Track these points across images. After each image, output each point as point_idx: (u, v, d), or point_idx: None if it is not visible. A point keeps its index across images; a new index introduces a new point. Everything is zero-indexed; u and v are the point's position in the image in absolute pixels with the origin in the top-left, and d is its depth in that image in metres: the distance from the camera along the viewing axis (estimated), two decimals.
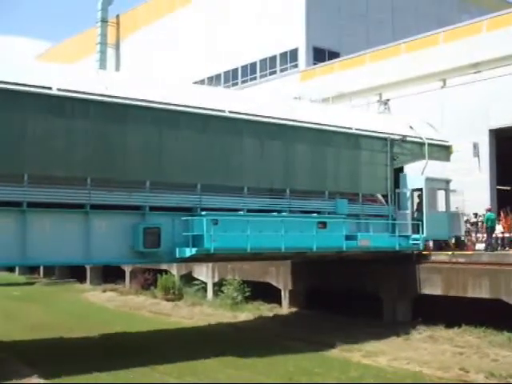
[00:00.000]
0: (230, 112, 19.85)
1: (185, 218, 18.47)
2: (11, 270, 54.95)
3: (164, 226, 18.17)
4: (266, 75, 46.83)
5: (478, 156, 31.36)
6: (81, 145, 17.10)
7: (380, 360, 18.20)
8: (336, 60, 41.70)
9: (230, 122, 19.80)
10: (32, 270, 51.26)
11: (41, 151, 16.49)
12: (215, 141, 19.46)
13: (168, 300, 31.65)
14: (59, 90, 16.85)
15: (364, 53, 38.87)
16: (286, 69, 45.38)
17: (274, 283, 27.84)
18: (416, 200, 24.62)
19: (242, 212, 19.81)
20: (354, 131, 22.66)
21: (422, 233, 23.19)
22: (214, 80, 51.29)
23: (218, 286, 30.28)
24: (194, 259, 19.88)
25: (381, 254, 22.69)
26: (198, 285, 32.40)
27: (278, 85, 43.72)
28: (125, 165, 17.87)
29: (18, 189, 16.19)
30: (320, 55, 44.14)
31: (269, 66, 46.70)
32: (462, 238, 25.62)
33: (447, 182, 24.53)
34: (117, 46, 65.93)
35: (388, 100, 27.29)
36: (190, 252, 18.13)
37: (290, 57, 44.98)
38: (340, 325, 22.86)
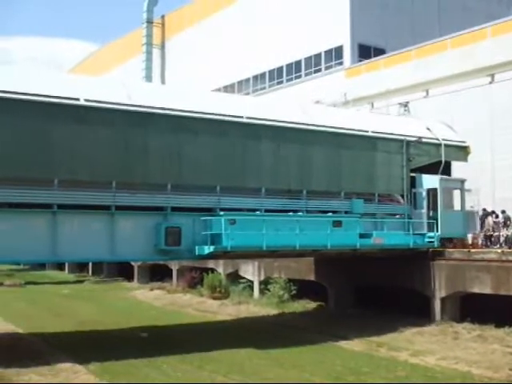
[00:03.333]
0: (248, 118, 20.78)
1: (204, 218, 19.40)
2: (61, 268, 56.75)
3: (185, 226, 19.60)
4: (310, 73, 47.33)
5: None
6: (106, 151, 18.67)
7: (428, 359, 18.21)
8: (381, 57, 41.91)
9: (247, 127, 21.03)
10: (81, 268, 53.03)
11: (69, 157, 18.13)
12: (234, 145, 20.74)
13: (214, 298, 32.14)
14: (86, 100, 18.14)
15: (410, 49, 39.13)
16: (330, 66, 45.71)
17: (321, 281, 28.10)
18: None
19: (258, 212, 20.63)
20: (370, 134, 23.58)
21: (437, 231, 23.64)
22: (258, 79, 52.10)
23: (264, 285, 30.65)
24: (212, 256, 20.96)
25: (396, 252, 23.37)
26: (244, 283, 32.88)
27: (323, 83, 44.32)
28: (147, 169, 19.31)
29: (49, 192, 17.85)
30: (365, 52, 44.32)
31: (314, 63, 47.09)
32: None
33: (462, 181, 25.29)
34: (162, 47, 67.16)
35: (407, 102, 27.91)
36: (208, 250, 19.52)
37: (335, 54, 45.33)
38: (387, 323, 22.95)
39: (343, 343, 20.65)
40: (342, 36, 44.55)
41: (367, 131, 23.66)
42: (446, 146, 25.38)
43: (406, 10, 46.22)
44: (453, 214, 24.72)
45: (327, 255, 24.16)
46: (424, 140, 24.94)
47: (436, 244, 23.99)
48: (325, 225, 21.66)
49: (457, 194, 25.37)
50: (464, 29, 36.57)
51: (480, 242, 26.75)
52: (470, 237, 26.91)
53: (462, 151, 26.27)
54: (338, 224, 22.01)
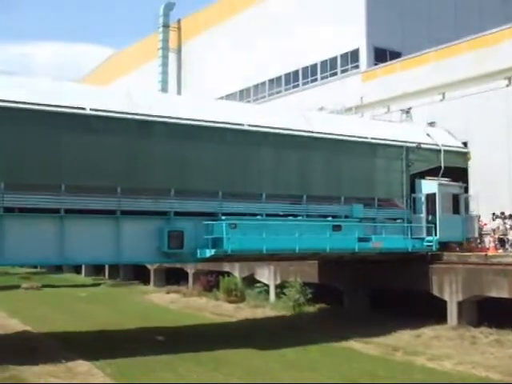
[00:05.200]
0: (249, 125, 21.48)
1: (206, 223, 20.12)
2: (78, 271, 57.58)
3: (187, 230, 20.59)
4: (326, 77, 47.07)
5: None
6: (112, 158, 19.72)
7: (445, 364, 18.22)
8: (398, 60, 41.55)
9: (248, 134, 21.86)
10: (98, 271, 53.69)
11: (76, 164, 19.13)
12: (235, 151, 21.66)
13: (230, 302, 32.46)
14: (92, 109, 18.94)
15: (426, 52, 38.71)
16: (346, 70, 45.41)
17: (336, 285, 28.36)
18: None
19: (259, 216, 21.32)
20: (369, 140, 24.03)
21: (436, 235, 24.12)
22: (274, 82, 52.39)
23: (280, 289, 30.57)
24: (214, 259, 21.68)
25: (394, 255, 23.89)
26: (260, 287, 33.16)
27: (339, 86, 44.29)
28: (151, 175, 20.28)
29: (57, 197, 18.91)
30: (381, 55, 43.96)
31: (329, 67, 46.91)
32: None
33: (460, 186, 25.65)
34: (178, 51, 67.66)
35: (410, 108, 28.40)
36: (209, 253, 20.54)
37: (351, 58, 45.19)
38: (404, 327, 23.11)
39: (359, 347, 20.91)
40: (357, 39, 44.41)
41: (367, 137, 24.29)
42: (445, 151, 25.97)
43: (422, 12, 46.12)
44: (451, 219, 25.29)
45: (327, 258, 24.92)
46: (424, 146, 25.54)
47: (434, 248, 24.53)
48: (324, 229, 22.37)
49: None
50: (481, 31, 36.37)
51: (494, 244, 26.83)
52: (487, 241, 27.14)
53: (462, 157, 26.88)
54: (337, 228, 22.64)
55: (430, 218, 25.19)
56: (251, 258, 24.26)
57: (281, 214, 22.35)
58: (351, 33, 44.65)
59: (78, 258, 20.05)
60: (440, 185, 25.21)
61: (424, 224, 24.95)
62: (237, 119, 21.90)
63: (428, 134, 26.31)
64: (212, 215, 21.10)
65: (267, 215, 22.03)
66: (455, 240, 25.68)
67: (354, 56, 44.81)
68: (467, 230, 25.98)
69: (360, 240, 23.08)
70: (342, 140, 23.77)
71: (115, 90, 26.01)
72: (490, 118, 32.50)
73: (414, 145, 25.26)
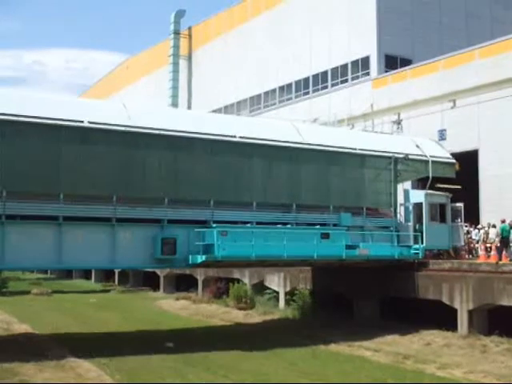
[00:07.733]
0: (241, 137, 22.53)
1: (198, 230, 21.21)
2: (87, 277, 58.69)
3: (180, 237, 22.05)
4: (337, 84, 48.00)
5: None
6: (108, 168, 21.11)
7: (455, 372, 18.42)
8: (408, 67, 42.60)
9: (240, 145, 22.93)
10: (107, 277, 54.87)
11: (74, 174, 20.43)
12: (227, 162, 22.95)
13: (240, 309, 32.86)
14: (90, 122, 20.18)
15: (437, 59, 39.61)
16: (357, 77, 46.26)
17: (345, 292, 28.68)
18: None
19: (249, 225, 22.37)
20: (357, 151, 25.08)
21: (422, 243, 25.01)
22: (285, 90, 53.41)
23: (290, 295, 31.12)
24: (205, 265, 22.71)
25: (382, 262, 24.84)
26: (269, 294, 33.72)
27: (350, 93, 45.42)
28: (146, 184, 21.55)
29: (55, 205, 20.33)
30: (392, 63, 44.91)
31: (340, 74, 47.82)
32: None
33: (447, 196, 26.53)
34: (189, 58, 68.88)
35: (401, 120, 29.32)
36: (200, 259, 21.80)
37: (362, 65, 46.09)
38: (414, 335, 23.42)
39: (369, 355, 21.21)
40: (368, 46, 45.28)
41: (355, 149, 25.26)
42: (433, 162, 26.85)
43: (433, 20, 46.86)
44: (437, 227, 26.24)
45: (316, 265, 25.97)
46: (412, 157, 26.56)
47: (421, 255, 25.40)
48: (312, 236, 23.33)
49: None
50: (492, 39, 36.95)
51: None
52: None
53: (450, 167, 27.80)
54: (325, 236, 23.63)
55: (417, 226, 26.14)
56: (241, 263, 25.35)
57: (271, 221, 23.37)
58: (362, 40, 45.41)
59: (75, 263, 21.53)
60: (427, 194, 26.22)
61: (411, 232, 25.89)
62: (229, 131, 23.02)
63: (417, 146, 27.31)
64: (204, 223, 22.38)
65: (257, 223, 23.15)
66: (441, 248, 26.65)
67: (364, 63, 45.41)
68: (453, 238, 26.90)
69: (348, 247, 24.13)
70: (332, 151, 24.91)
71: (112, 103, 27.13)
72: (503, 126, 32.76)
73: (403, 156, 26.19)
